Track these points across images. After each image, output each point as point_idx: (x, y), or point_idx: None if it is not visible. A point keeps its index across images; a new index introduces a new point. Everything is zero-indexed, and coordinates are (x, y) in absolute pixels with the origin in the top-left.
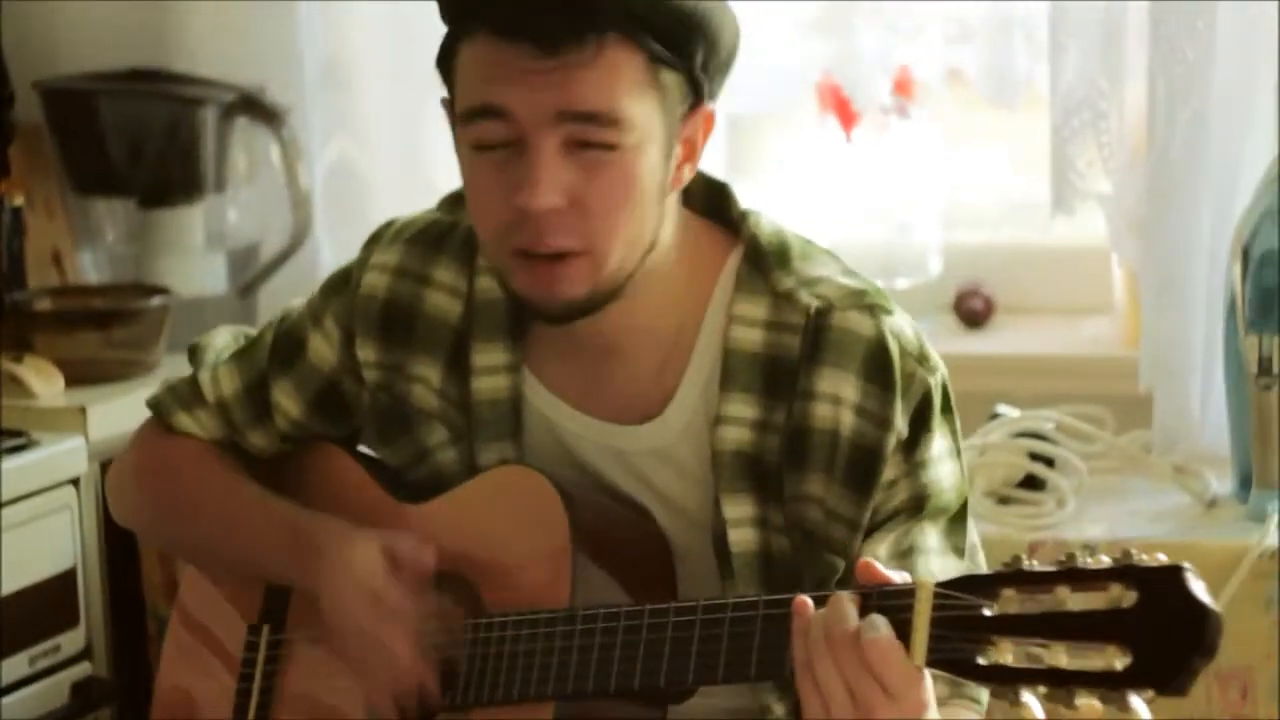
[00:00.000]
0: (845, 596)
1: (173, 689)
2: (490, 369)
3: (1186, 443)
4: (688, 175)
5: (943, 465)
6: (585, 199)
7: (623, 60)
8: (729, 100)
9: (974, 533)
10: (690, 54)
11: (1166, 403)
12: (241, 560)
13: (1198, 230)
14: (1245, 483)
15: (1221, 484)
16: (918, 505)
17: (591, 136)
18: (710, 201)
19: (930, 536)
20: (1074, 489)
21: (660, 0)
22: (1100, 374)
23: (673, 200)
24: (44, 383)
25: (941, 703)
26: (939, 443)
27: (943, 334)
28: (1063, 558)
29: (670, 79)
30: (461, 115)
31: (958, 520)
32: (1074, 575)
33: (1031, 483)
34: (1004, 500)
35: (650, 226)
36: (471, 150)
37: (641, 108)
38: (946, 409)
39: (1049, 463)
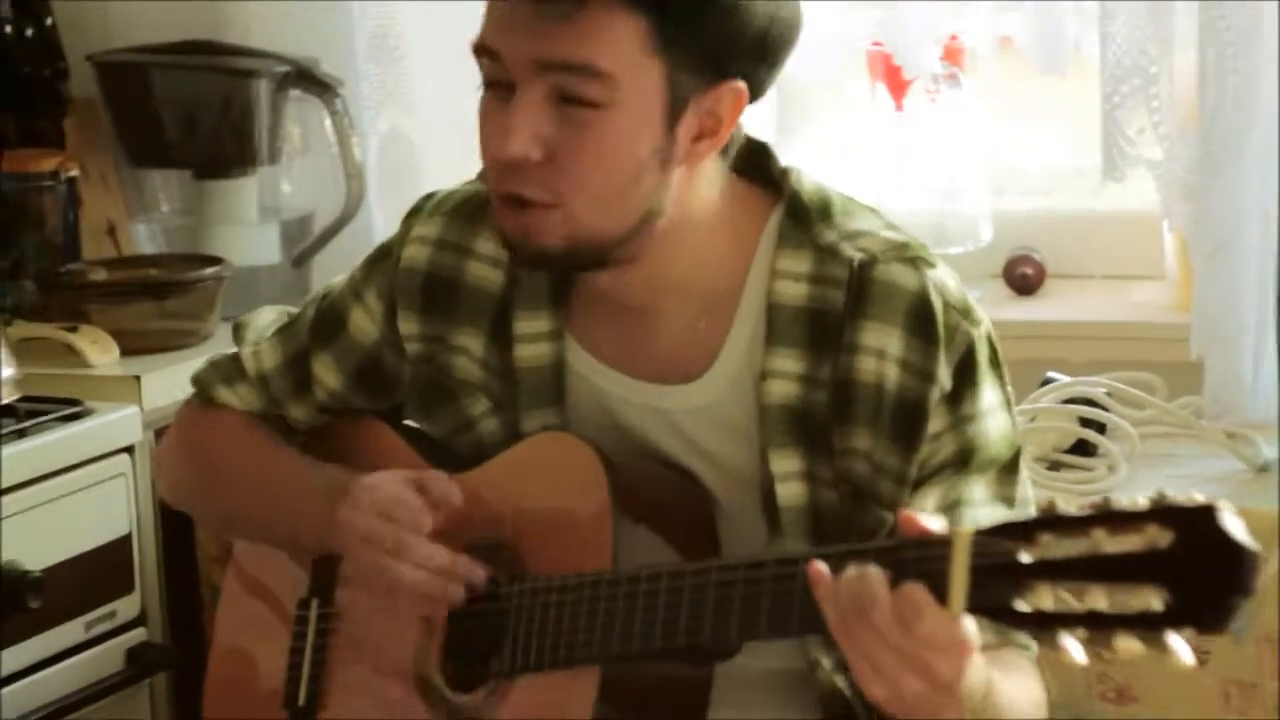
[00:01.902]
0: (872, 572)
1: (229, 651)
2: (533, 336)
3: (1238, 408)
4: (707, 150)
5: (991, 418)
6: (559, 154)
7: (614, 20)
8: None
9: (1027, 485)
10: (702, 28)
11: (1218, 368)
12: (282, 528)
13: (1248, 195)
14: None
15: (1272, 449)
16: (964, 459)
17: (574, 89)
18: (751, 161)
19: (977, 489)
20: (1125, 455)
21: None
22: (1151, 340)
23: (708, 168)
24: (99, 352)
25: (989, 649)
26: (987, 395)
27: (993, 301)
28: (1099, 500)
29: (681, 51)
30: (473, 50)
31: (1009, 471)
32: (1110, 518)
33: (1083, 449)
34: (1055, 466)
35: (642, 195)
36: (483, 90)
37: (636, 73)
38: (994, 361)
39: (1100, 429)
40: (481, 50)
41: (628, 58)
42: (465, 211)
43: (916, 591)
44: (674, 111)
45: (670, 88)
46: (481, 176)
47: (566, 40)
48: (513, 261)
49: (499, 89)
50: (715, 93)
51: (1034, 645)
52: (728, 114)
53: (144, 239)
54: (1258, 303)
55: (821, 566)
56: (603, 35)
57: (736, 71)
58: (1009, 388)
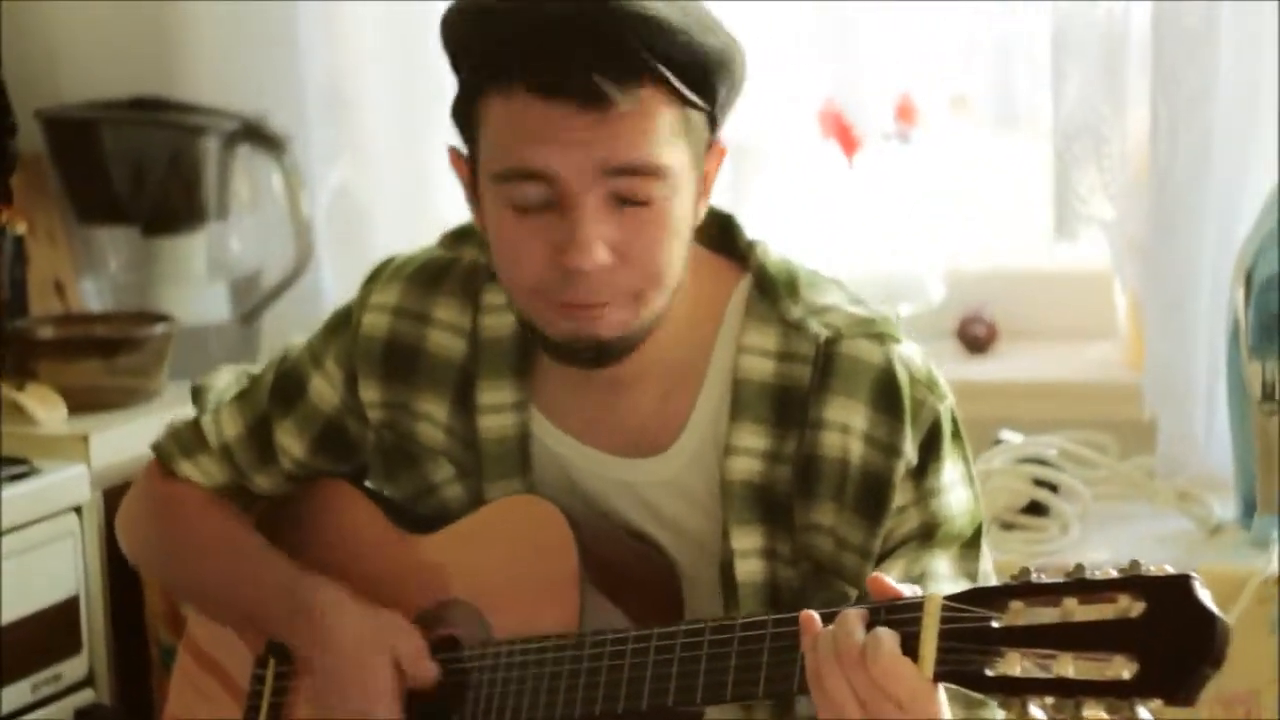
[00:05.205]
0: (853, 613)
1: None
2: (496, 407)
3: (1190, 468)
4: (703, 212)
5: (953, 492)
6: (628, 252)
7: (661, 107)
8: (730, 127)
9: (988, 560)
10: (715, 93)
11: (1170, 428)
12: (241, 616)
13: (1200, 255)
14: (1249, 508)
15: (1225, 509)
16: (928, 532)
17: (634, 190)
18: (715, 232)
19: (941, 563)
20: (1078, 515)
21: (691, 42)
22: (1104, 399)
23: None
24: (46, 410)
25: None
26: (949, 470)
27: (946, 360)
28: (1071, 569)
29: (697, 119)
30: (496, 176)
31: (970, 547)
32: (1082, 586)
33: (1035, 509)
34: (1008, 526)
35: (681, 267)
36: (509, 210)
37: (676, 153)
38: (956, 436)
39: (1053, 488)
40: (526, 175)
41: (672, 141)
42: (423, 278)
43: (882, 633)
44: (696, 181)
45: (693, 158)
46: (515, 300)
47: (629, 142)
48: (557, 359)
49: (534, 209)
50: (710, 153)
51: None
52: (714, 173)
53: (92, 296)
54: (1209, 362)
55: (813, 614)
56: (656, 126)
57: (721, 127)
58: (971, 464)
